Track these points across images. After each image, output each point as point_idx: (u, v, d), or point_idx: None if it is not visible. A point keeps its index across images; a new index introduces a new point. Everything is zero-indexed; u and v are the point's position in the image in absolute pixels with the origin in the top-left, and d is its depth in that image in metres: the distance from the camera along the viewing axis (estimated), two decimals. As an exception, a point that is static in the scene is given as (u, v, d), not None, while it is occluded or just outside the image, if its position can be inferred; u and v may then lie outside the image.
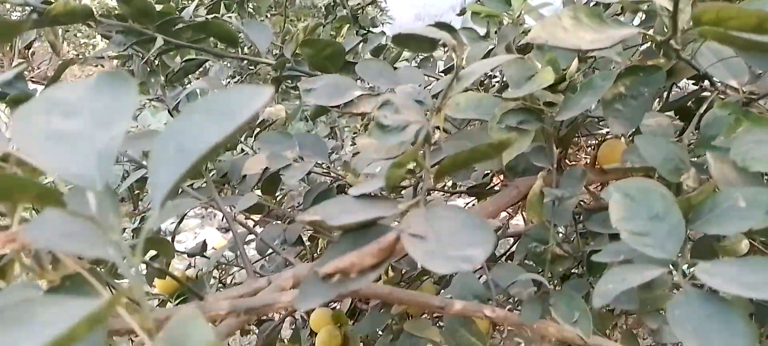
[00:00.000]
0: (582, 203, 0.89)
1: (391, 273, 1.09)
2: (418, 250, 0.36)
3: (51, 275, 0.41)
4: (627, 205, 0.42)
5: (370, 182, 0.44)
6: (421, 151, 0.46)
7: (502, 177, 1.01)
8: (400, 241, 0.38)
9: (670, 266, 0.40)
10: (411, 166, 0.42)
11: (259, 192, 0.93)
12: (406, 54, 1.09)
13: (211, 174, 0.90)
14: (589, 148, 1.11)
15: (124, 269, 0.27)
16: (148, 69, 0.79)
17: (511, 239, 1.19)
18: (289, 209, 0.97)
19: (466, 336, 0.57)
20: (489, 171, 0.94)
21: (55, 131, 0.30)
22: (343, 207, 0.41)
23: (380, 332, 1.00)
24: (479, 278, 0.65)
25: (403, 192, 0.67)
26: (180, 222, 0.86)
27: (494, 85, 1.12)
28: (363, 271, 0.38)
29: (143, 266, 0.76)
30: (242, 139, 1.12)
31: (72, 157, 0.28)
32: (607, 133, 0.88)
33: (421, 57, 1.12)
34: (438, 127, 0.51)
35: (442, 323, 0.85)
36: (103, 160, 0.28)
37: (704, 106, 0.61)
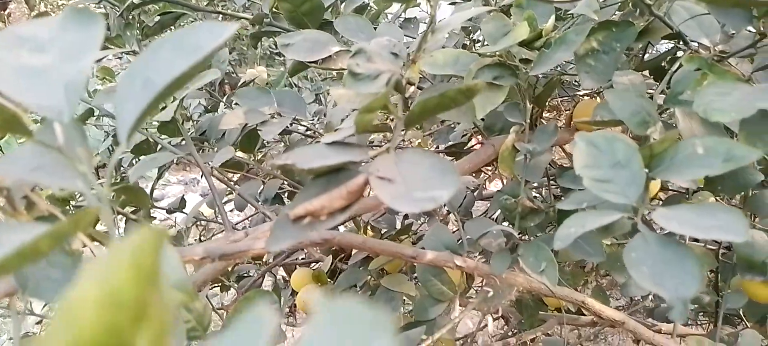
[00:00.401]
0: (554, 162, 0.90)
1: (370, 233, 1.11)
2: (385, 192, 0.37)
3: (24, 217, 0.41)
4: (591, 153, 0.43)
5: (342, 130, 0.45)
6: (395, 102, 0.46)
7: (480, 138, 1.02)
8: (369, 184, 0.39)
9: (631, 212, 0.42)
10: (382, 114, 0.43)
11: (239, 153, 0.94)
12: (389, 10, 1.08)
13: (189, 133, 0.90)
14: (567, 112, 1.12)
15: (91, 199, 0.27)
16: (124, 22, 0.78)
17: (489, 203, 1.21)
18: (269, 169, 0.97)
19: (438, 285, 0.59)
20: (467, 132, 0.96)
21: (23, 66, 0.30)
22: (315, 152, 0.42)
23: (359, 289, 1.02)
24: (453, 233, 0.67)
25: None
26: (159, 177, 0.86)
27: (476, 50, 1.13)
28: (332, 213, 0.39)
29: (122, 219, 0.77)
30: (223, 100, 1.12)
31: (40, 90, 0.29)
32: (584, 94, 0.89)
33: (404, 19, 1.12)
34: (412, 84, 0.51)
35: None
36: (70, 93, 0.28)
37: (676, 65, 0.63)
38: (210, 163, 0.74)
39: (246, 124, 0.78)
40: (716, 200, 0.77)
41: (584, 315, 1.01)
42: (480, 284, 1.04)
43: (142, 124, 0.28)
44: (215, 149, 0.83)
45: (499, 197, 0.69)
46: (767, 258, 0.76)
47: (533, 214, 0.70)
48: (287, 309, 1.37)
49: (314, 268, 1.20)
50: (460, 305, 0.60)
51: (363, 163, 0.41)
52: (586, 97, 0.87)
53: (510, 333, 1.02)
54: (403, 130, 0.45)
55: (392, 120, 0.47)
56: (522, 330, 0.98)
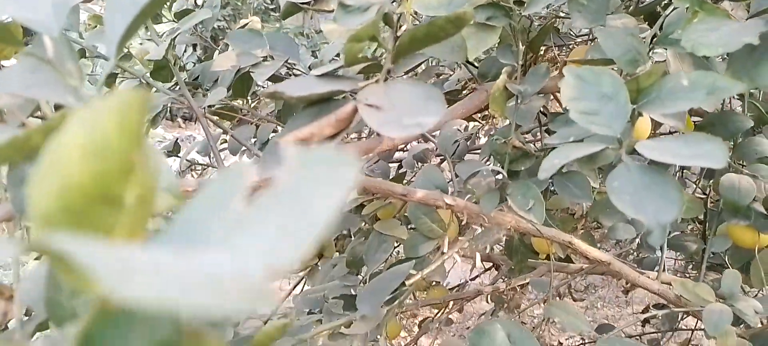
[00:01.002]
0: (547, 110, 0.91)
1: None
2: (373, 118, 0.38)
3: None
4: (578, 86, 0.44)
5: (332, 63, 0.45)
6: (383, 35, 0.46)
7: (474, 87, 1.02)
8: (357, 112, 0.39)
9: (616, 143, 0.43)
10: (372, 46, 0.43)
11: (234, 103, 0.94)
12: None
13: (183, 78, 0.90)
14: (562, 62, 1.12)
15: (83, 111, 0.28)
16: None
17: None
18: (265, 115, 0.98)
19: (427, 223, 0.60)
20: (461, 80, 0.96)
21: (11, -17, 0.30)
22: (304, 83, 0.43)
23: (352, 235, 1.04)
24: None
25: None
26: (153, 123, 0.87)
27: None
28: (322, 141, 0.40)
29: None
30: (218, 49, 1.11)
31: (28, 4, 0.29)
32: (579, 41, 0.89)
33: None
34: (402, 25, 0.51)
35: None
36: (58, 7, 0.29)
37: (670, 9, 0.63)
38: (204, 106, 0.74)
39: (239, 68, 0.78)
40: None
41: (573, 263, 1.03)
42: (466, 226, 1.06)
43: (130, 38, 0.28)
44: (208, 95, 0.83)
45: (491, 140, 0.70)
46: (752, 203, 0.78)
47: (524, 158, 0.71)
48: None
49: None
50: (449, 246, 0.61)
51: (352, 93, 0.41)
52: (579, 44, 0.87)
53: (502, 279, 1.05)
54: (392, 64, 0.45)
55: (383, 56, 0.47)
56: (512, 277, 1.00)
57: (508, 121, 0.68)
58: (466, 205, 0.60)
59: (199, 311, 0.09)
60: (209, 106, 0.82)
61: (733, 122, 0.77)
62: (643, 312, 1.41)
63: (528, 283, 0.94)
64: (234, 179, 0.14)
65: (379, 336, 0.59)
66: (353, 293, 0.68)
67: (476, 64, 0.90)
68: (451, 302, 1.16)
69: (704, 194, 1.00)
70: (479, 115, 1.02)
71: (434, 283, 1.31)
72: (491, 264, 1.41)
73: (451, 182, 0.64)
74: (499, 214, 0.63)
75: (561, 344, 1.60)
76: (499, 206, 0.62)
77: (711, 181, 0.96)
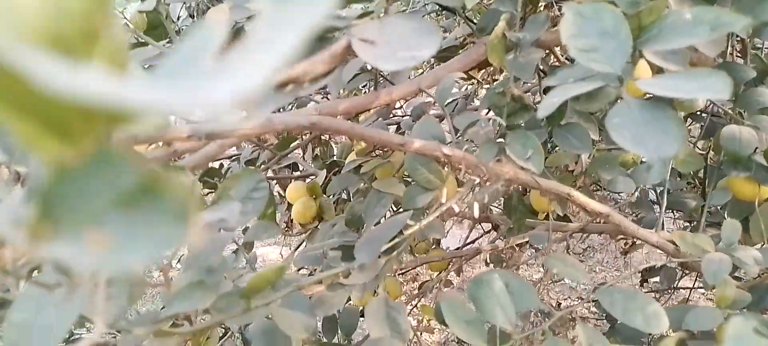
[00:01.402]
0: (546, 63, 0.90)
1: (363, 144, 1.11)
2: (368, 53, 0.37)
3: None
4: (578, 22, 0.43)
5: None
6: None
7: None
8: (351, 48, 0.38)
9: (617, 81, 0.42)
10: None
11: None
12: None
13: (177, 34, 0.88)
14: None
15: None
16: None
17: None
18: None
19: (425, 173, 0.60)
20: (461, 36, 0.94)
21: None
22: (297, 21, 0.41)
23: (352, 194, 1.03)
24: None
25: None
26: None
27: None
28: (315, 78, 0.39)
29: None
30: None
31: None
32: None
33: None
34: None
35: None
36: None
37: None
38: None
39: (234, 24, 0.77)
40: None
41: (572, 222, 1.03)
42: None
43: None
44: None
45: (489, 92, 0.69)
46: (753, 154, 0.77)
47: (522, 111, 0.70)
48: (284, 223, 1.39)
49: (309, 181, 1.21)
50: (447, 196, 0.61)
51: (346, 30, 0.40)
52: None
53: (500, 238, 1.05)
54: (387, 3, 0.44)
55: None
56: (510, 236, 1.00)
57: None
58: (464, 155, 0.59)
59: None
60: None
61: (734, 73, 0.76)
62: (641, 272, 1.42)
63: (527, 242, 0.94)
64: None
65: (377, 288, 0.59)
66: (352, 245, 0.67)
67: (475, 21, 0.89)
68: (450, 264, 1.17)
69: (703, 150, 0.99)
70: (478, 75, 1.01)
71: (434, 245, 1.31)
72: (490, 226, 1.41)
73: (449, 134, 0.63)
74: (497, 165, 0.62)
75: (560, 304, 1.61)
76: (498, 157, 0.61)
77: (711, 139, 0.95)
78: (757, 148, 0.76)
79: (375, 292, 0.61)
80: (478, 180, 0.59)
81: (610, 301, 0.61)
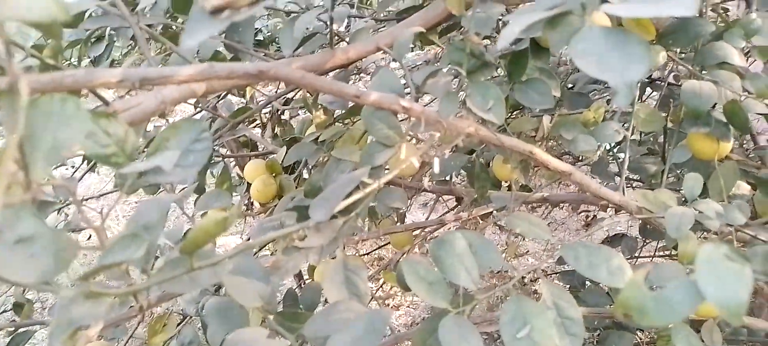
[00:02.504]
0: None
1: (321, 115, 1.08)
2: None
3: None
4: (537, -52, 0.40)
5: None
6: None
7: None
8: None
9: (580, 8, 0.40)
10: None
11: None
12: None
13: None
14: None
15: None
16: None
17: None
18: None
19: (384, 129, 0.56)
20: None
21: None
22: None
23: (311, 166, 1.00)
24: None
25: None
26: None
27: None
28: (253, 1, 0.35)
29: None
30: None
31: None
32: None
33: None
34: None
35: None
36: None
37: None
38: (139, 22, 0.68)
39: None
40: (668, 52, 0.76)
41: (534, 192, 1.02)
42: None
43: None
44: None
45: (449, 48, 0.66)
46: (712, 110, 0.77)
47: (483, 68, 0.68)
48: (244, 204, 1.35)
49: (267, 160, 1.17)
50: (407, 151, 0.58)
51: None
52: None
53: (465, 210, 1.03)
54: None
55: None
56: (474, 207, 0.98)
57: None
58: (423, 110, 0.57)
59: None
60: (149, 27, 0.75)
61: (694, 27, 0.75)
62: (602, 243, 1.43)
63: (491, 212, 0.93)
64: None
65: (337, 251, 0.56)
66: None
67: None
68: (415, 239, 1.14)
69: (665, 109, 0.99)
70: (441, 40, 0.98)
71: (398, 222, 1.29)
72: (454, 201, 1.39)
73: (407, 87, 0.60)
74: (458, 120, 0.59)
75: (524, 279, 1.61)
76: (459, 111, 0.59)
77: (669, 106, 0.95)
78: (715, 103, 0.76)
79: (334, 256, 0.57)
80: (438, 135, 0.56)
81: (575, 255, 0.59)
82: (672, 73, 0.98)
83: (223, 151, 1.18)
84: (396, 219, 1.25)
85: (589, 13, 0.39)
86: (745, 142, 1.22)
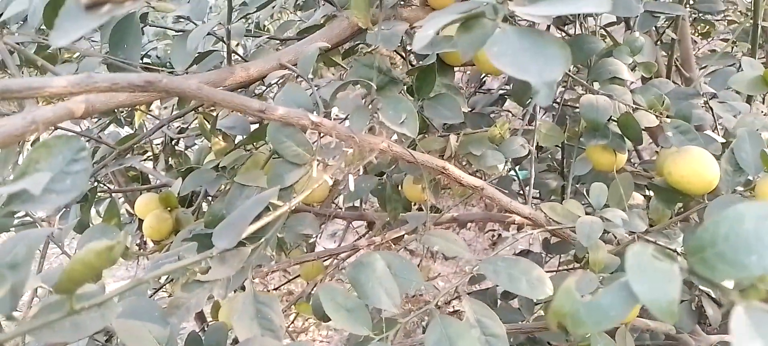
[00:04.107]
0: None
1: (220, 142, 1.01)
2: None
3: None
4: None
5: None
6: None
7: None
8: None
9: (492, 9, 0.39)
10: None
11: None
12: None
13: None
14: None
15: None
16: None
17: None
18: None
19: (292, 146, 0.53)
20: (323, 16, 0.89)
21: None
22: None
23: (210, 195, 0.93)
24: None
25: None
26: None
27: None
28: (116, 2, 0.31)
29: None
30: None
31: None
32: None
33: None
34: None
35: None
36: None
37: None
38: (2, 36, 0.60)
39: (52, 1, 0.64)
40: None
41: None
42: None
43: None
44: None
45: (357, 64, 0.64)
46: (608, 123, 0.80)
47: (392, 84, 0.66)
48: (136, 246, 1.23)
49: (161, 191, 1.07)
50: (319, 169, 0.54)
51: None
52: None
53: (377, 235, 1.00)
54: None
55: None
56: (387, 231, 0.96)
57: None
58: (334, 125, 0.54)
59: None
60: (19, 45, 0.66)
61: (587, 44, 0.79)
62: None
63: (403, 235, 0.91)
64: None
65: (246, 281, 0.51)
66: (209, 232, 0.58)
67: (334, 2, 0.84)
68: (327, 268, 1.10)
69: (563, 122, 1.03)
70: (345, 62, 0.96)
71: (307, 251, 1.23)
72: (366, 228, 1.36)
73: (315, 104, 0.57)
74: (370, 136, 0.57)
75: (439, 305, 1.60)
76: (370, 125, 0.56)
77: (564, 126, 0.99)
78: (611, 116, 0.80)
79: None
80: (350, 151, 0.53)
81: (494, 269, 0.58)
82: (562, 95, 1.02)
83: (110, 187, 1.07)
84: (306, 249, 1.20)
85: (500, 16, 0.39)
86: (632, 157, 1.30)
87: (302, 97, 0.56)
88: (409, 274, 0.58)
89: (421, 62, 0.67)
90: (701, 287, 0.89)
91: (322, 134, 0.54)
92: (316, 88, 0.60)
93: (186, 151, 1.31)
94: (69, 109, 0.51)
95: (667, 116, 0.79)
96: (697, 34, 1.72)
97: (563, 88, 1.00)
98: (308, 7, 1.10)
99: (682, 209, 0.86)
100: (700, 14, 1.43)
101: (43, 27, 0.68)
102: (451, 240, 0.64)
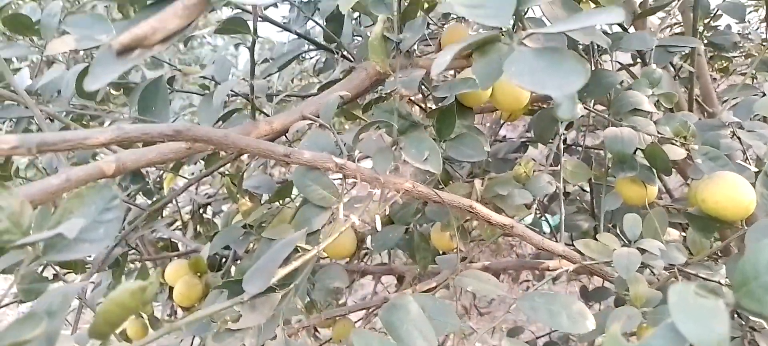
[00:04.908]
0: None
1: (247, 202, 1.02)
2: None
3: None
4: (460, -19, 0.40)
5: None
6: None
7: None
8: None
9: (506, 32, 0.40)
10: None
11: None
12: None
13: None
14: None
15: None
16: None
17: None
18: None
19: (318, 190, 0.53)
20: (343, 71, 0.91)
21: None
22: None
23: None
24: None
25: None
26: None
27: None
28: (167, 37, 0.32)
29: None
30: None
31: None
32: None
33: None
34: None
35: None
36: None
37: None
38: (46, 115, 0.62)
39: (84, 71, 0.68)
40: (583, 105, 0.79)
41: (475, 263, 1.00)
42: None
43: None
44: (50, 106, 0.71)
45: (378, 110, 0.65)
46: (636, 154, 0.79)
47: (412, 128, 0.67)
48: (167, 314, 1.23)
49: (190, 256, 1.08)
50: (344, 213, 0.54)
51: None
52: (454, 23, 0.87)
53: (405, 289, 0.98)
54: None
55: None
56: (418, 283, 0.94)
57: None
58: (358, 167, 0.54)
59: None
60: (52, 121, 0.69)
61: (605, 78, 0.79)
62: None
63: (435, 286, 0.89)
64: None
65: (276, 328, 0.50)
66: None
67: (352, 58, 0.87)
68: (359, 322, 1.07)
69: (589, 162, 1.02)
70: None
71: (338, 317, 1.21)
72: (396, 284, 1.34)
73: (339, 146, 0.57)
74: (395, 176, 0.57)
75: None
76: (394, 165, 0.57)
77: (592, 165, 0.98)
78: (637, 148, 0.79)
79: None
80: (377, 192, 0.53)
81: (532, 306, 0.56)
82: (584, 138, 1.02)
83: (140, 253, 1.09)
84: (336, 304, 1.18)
85: (516, 40, 0.39)
86: (662, 196, 1.27)
87: (326, 142, 0.56)
88: (445, 315, 0.56)
89: (440, 103, 0.68)
90: (752, 320, 0.84)
91: (346, 177, 0.54)
92: (338, 134, 0.61)
93: (213, 219, 1.33)
94: (100, 168, 0.52)
95: (695, 144, 0.78)
96: (715, 70, 1.71)
97: (584, 130, 0.99)
98: (328, 68, 1.13)
99: (719, 239, 0.83)
100: (716, 52, 1.44)
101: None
102: (484, 280, 0.63)
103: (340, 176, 0.56)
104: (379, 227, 0.52)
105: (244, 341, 0.49)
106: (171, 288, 1.08)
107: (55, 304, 0.36)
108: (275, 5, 1.02)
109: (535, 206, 0.90)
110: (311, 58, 1.37)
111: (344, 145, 0.57)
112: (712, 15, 1.26)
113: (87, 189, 0.39)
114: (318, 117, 0.66)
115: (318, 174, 0.53)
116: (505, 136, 1.47)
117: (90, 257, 0.87)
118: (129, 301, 0.33)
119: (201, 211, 1.22)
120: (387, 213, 0.84)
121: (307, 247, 0.51)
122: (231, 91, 0.71)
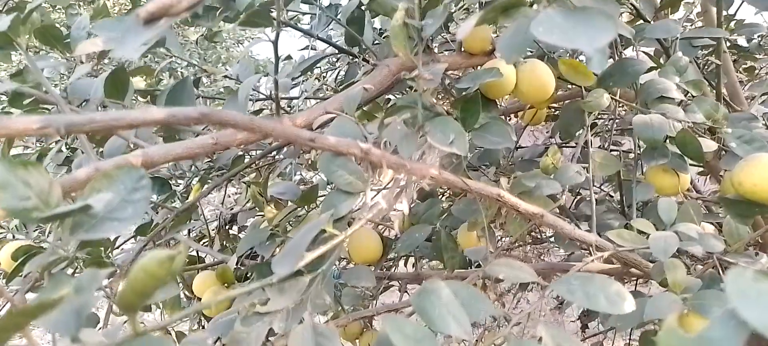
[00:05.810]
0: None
1: (272, 209, 1.02)
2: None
3: None
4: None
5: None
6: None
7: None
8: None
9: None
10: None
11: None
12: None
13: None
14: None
15: None
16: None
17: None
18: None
19: (344, 175, 0.52)
20: (366, 70, 0.91)
21: None
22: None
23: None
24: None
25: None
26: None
27: None
28: (192, 4, 0.32)
29: None
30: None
31: None
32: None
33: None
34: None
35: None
36: None
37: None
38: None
39: (112, 73, 0.69)
40: (610, 95, 0.78)
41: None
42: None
43: None
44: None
45: (399, 102, 0.65)
46: (666, 142, 0.77)
47: (437, 118, 0.66)
48: (196, 324, 1.23)
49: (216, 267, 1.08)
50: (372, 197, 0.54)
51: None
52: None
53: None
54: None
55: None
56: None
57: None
58: (384, 154, 0.53)
59: None
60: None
61: (631, 67, 0.78)
62: (580, 317, 1.38)
63: (465, 279, 0.87)
64: None
65: (305, 315, 0.49)
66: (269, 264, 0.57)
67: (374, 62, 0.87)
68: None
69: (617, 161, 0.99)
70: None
71: (365, 330, 1.19)
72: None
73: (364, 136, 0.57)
74: (421, 163, 0.56)
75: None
76: (420, 151, 0.56)
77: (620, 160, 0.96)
78: (667, 136, 0.77)
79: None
80: (403, 178, 0.53)
81: (568, 288, 0.55)
82: (610, 135, 1.00)
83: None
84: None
85: (542, 3, 0.39)
86: (688, 196, 1.24)
87: (352, 129, 0.56)
88: (477, 302, 0.55)
89: (464, 92, 0.68)
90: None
91: (371, 164, 0.54)
92: (361, 125, 0.60)
93: (239, 235, 1.34)
94: (128, 161, 0.53)
95: (728, 128, 0.76)
96: (741, 72, 1.68)
97: (610, 121, 0.98)
98: (350, 78, 1.13)
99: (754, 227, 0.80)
100: (741, 53, 1.41)
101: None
102: (516, 267, 0.61)
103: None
104: (406, 211, 0.51)
105: (272, 324, 0.48)
106: (199, 299, 1.08)
107: (84, 281, 0.36)
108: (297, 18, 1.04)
109: (562, 201, 0.87)
110: (333, 71, 1.38)
111: (370, 133, 0.57)
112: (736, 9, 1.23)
113: (115, 169, 0.39)
114: (341, 112, 0.66)
115: (344, 160, 0.53)
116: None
117: (115, 258, 0.88)
118: (157, 270, 0.33)
119: (227, 226, 1.23)
120: (408, 214, 0.83)
121: (334, 231, 0.50)
122: (256, 91, 0.71)
